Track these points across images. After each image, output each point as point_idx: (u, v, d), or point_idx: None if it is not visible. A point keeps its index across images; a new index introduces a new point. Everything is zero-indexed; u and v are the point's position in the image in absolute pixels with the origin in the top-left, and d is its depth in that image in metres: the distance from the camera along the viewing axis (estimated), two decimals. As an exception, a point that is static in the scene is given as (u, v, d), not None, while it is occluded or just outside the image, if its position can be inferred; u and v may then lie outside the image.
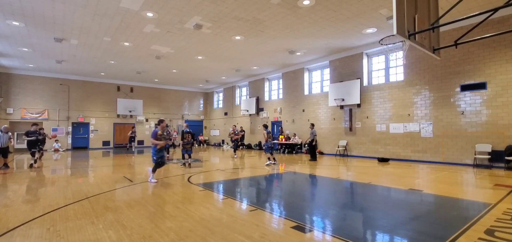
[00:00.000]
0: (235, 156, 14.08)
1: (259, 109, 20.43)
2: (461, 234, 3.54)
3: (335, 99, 14.49)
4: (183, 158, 10.68)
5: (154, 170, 7.33)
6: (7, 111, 18.02)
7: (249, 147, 20.92)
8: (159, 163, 7.32)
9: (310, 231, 3.80)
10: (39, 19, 9.94)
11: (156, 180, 7.25)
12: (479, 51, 9.92)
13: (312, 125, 12.86)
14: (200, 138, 25.30)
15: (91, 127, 21.04)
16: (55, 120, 19.56)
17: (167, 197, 5.67)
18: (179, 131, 25.23)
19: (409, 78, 11.97)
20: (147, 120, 23.51)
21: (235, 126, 16.78)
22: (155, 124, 12.24)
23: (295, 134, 16.99)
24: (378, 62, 13.72)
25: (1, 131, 9.94)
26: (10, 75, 18.14)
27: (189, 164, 10.37)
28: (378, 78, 13.65)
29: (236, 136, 14.85)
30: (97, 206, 4.99)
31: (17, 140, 18.43)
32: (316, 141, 12.84)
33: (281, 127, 18.27)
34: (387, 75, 13.26)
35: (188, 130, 10.57)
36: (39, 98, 19.11)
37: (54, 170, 9.79)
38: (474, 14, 4.14)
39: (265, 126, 11.65)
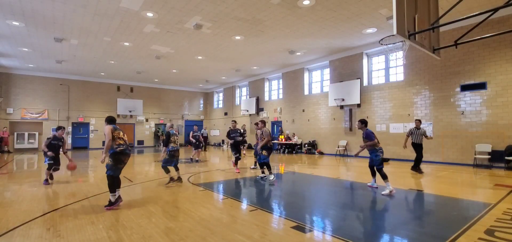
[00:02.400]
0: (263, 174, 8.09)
1: (259, 109, 20.43)
2: (461, 234, 3.54)
3: (335, 99, 14.49)
4: (166, 171, 6.81)
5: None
6: (7, 111, 18.02)
7: (249, 147, 20.91)
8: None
9: (310, 231, 3.80)
10: (39, 19, 9.94)
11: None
12: (479, 51, 9.92)
13: (419, 121, 8.89)
14: (200, 138, 25.21)
15: (91, 127, 21.04)
16: (55, 120, 19.56)
17: (167, 197, 5.67)
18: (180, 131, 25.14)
19: (409, 78, 11.96)
20: (147, 120, 23.52)
21: (262, 123, 8.36)
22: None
23: (294, 134, 16.99)
24: (378, 62, 13.71)
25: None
26: (10, 75, 18.14)
27: (177, 179, 6.84)
28: (378, 78, 13.65)
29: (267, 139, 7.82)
30: (97, 206, 4.99)
31: (17, 140, 18.43)
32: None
33: (281, 127, 18.28)
34: (387, 75, 13.25)
35: (174, 131, 7.10)
36: (39, 98, 19.10)
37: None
38: (474, 14, 4.14)
39: (263, 123, 8.23)
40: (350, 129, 14.17)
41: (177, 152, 7.02)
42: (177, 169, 7.09)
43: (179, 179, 6.97)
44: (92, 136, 21.03)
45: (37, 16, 9.73)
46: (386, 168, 9.83)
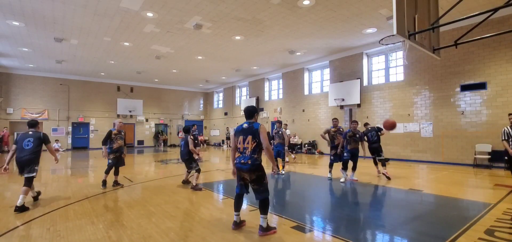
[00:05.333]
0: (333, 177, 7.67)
1: (259, 109, 20.45)
2: (461, 234, 3.54)
3: (335, 99, 14.49)
4: (102, 184, 6.46)
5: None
6: (7, 111, 18.02)
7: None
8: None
9: (310, 231, 3.80)
10: (39, 19, 9.94)
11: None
12: (479, 51, 9.92)
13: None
14: (200, 138, 25.26)
15: (91, 127, 21.04)
16: (55, 120, 19.57)
17: (167, 197, 5.67)
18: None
19: (409, 78, 11.96)
20: (147, 120, 23.52)
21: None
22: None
23: (295, 134, 16.98)
24: (378, 62, 13.71)
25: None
26: (10, 75, 18.14)
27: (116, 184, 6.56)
28: (378, 78, 13.65)
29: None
30: (97, 206, 4.99)
31: (17, 140, 18.41)
32: None
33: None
34: (387, 75, 13.25)
35: (115, 129, 6.73)
36: (39, 98, 19.10)
37: (54, 170, 9.78)
38: (474, 14, 4.14)
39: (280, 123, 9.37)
40: (350, 129, 14.16)
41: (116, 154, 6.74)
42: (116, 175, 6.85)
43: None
44: (92, 136, 21.02)
45: (37, 16, 9.72)
46: (389, 168, 9.81)
